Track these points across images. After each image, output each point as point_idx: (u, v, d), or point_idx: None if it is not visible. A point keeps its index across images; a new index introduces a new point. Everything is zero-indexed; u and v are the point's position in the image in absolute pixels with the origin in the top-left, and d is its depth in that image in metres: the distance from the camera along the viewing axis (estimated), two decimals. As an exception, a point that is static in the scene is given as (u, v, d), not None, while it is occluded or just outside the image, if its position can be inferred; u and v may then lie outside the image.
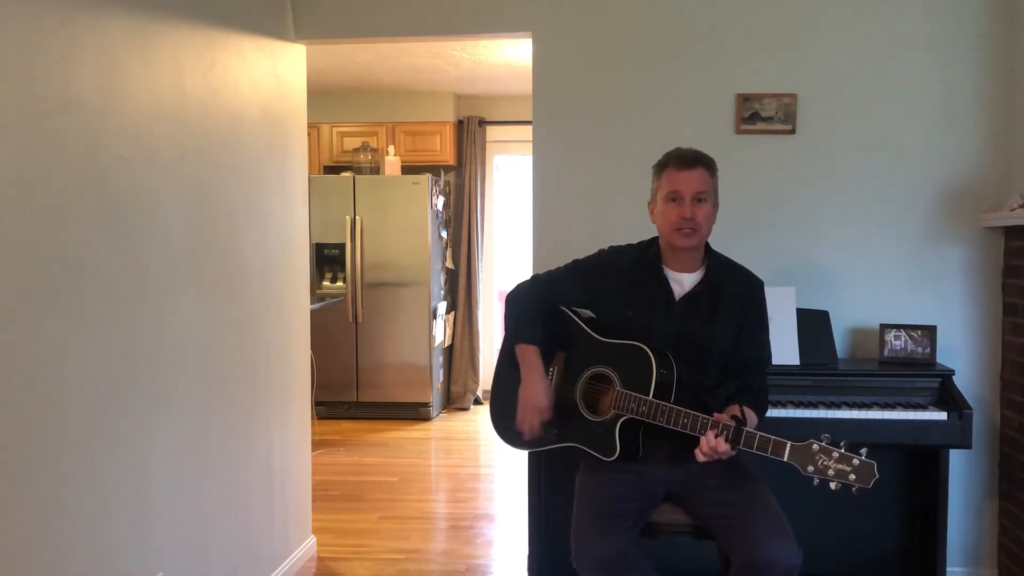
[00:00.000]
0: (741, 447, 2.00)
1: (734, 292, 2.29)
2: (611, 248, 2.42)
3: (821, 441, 1.90)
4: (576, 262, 2.44)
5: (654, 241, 2.35)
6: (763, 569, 1.99)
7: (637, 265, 2.33)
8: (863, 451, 1.88)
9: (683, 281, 2.29)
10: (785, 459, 1.93)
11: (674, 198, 2.22)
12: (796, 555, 2.01)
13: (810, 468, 1.90)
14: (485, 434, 5.74)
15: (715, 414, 2.07)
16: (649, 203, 2.33)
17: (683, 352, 2.22)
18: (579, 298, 2.41)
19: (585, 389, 2.31)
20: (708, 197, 2.23)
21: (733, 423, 2.02)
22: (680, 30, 3.16)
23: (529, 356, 2.34)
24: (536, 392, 2.29)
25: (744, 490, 2.15)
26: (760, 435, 1.98)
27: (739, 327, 2.27)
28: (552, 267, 2.50)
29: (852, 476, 1.86)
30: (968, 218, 3.06)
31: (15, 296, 1.79)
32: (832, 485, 1.88)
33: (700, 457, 2.05)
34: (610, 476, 2.23)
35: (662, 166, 2.28)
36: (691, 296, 2.27)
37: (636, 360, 2.19)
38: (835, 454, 1.88)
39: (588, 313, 2.43)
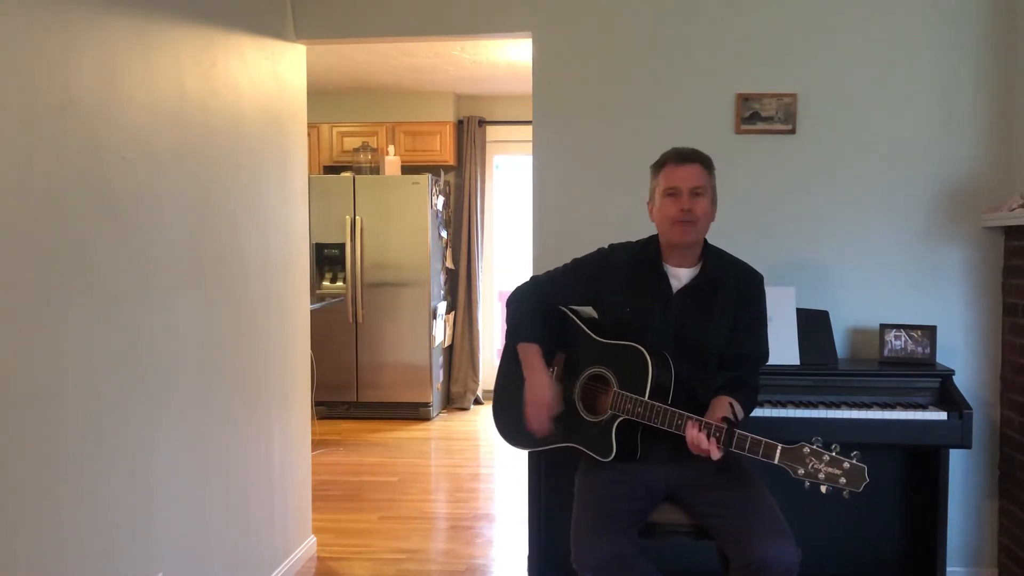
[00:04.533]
0: (732, 449, 1.99)
1: (731, 286, 2.29)
2: (610, 246, 2.43)
3: (813, 444, 1.89)
4: (575, 261, 2.44)
5: (654, 238, 2.36)
6: (761, 569, 1.98)
7: (637, 261, 2.34)
8: (855, 454, 1.86)
9: (681, 276, 2.29)
10: (776, 461, 1.92)
11: (672, 193, 2.24)
12: (794, 555, 2.00)
13: (800, 471, 1.88)
14: (485, 434, 5.74)
15: (707, 417, 2.06)
16: (648, 203, 2.35)
17: (681, 347, 2.22)
18: (579, 297, 2.42)
19: (584, 389, 2.32)
20: (705, 192, 2.24)
21: (724, 425, 2.01)
22: (680, 30, 3.16)
23: (531, 355, 2.35)
24: (541, 390, 2.30)
25: (743, 491, 2.15)
26: (751, 437, 1.97)
27: (735, 321, 2.27)
28: (552, 267, 2.50)
29: (843, 480, 1.85)
30: (968, 218, 3.06)
31: (15, 296, 1.78)
32: (822, 489, 1.86)
33: (691, 448, 2.05)
34: (609, 476, 2.23)
35: (660, 165, 2.30)
36: (688, 290, 2.28)
37: (632, 361, 2.19)
38: (826, 457, 1.87)
39: (589, 312, 2.43)
